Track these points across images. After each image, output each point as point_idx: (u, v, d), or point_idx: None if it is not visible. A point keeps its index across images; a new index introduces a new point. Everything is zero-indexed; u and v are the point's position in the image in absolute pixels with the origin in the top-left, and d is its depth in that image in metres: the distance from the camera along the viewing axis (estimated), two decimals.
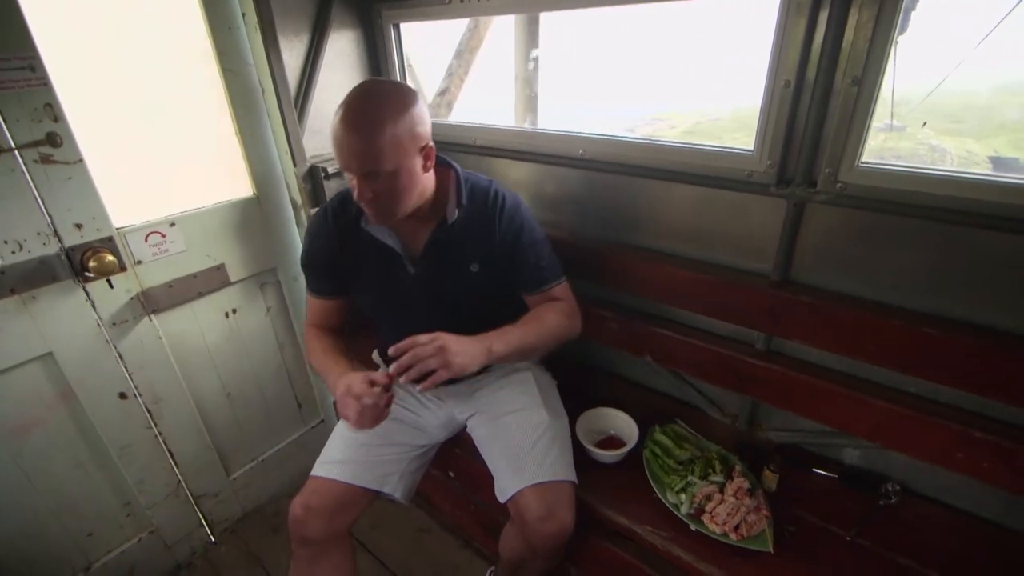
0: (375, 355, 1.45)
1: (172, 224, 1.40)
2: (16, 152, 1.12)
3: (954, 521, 1.12)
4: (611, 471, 1.23)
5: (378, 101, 0.93)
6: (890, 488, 1.17)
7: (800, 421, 1.28)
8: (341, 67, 1.61)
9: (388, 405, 1.02)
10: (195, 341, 1.54)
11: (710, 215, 1.24)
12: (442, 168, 1.13)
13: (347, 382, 1.02)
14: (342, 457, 1.18)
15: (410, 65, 1.75)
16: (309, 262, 1.22)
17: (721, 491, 1.13)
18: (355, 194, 0.99)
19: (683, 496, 1.13)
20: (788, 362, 1.22)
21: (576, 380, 1.43)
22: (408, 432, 1.25)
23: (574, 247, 1.44)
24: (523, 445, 1.14)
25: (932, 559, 1.03)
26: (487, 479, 1.20)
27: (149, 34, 1.31)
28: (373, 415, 1.01)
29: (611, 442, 1.31)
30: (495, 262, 1.14)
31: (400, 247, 1.12)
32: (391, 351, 0.98)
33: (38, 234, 1.18)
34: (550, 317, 1.15)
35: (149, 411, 1.47)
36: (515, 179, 1.59)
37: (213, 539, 1.75)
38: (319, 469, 1.17)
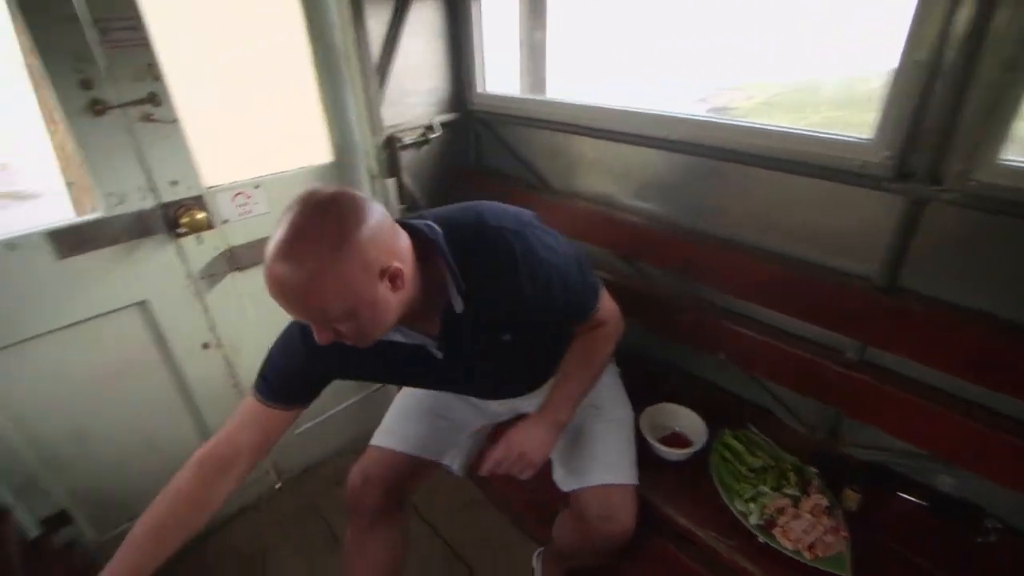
0: None
1: (257, 186, 1.44)
2: (122, 109, 1.18)
3: None
4: (674, 470, 1.19)
5: (309, 239, 0.68)
6: (989, 525, 1.06)
7: (888, 439, 1.17)
8: (423, 35, 1.59)
9: None
10: (270, 300, 1.60)
11: (810, 208, 1.13)
12: (424, 246, 0.82)
13: None
14: (402, 428, 1.19)
15: None
16: (272, 370, 0.92)
17: (795, 505, 1.05)
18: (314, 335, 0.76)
19: (752, 505, 1.07)
20: (882, 375, 1.11)
21: (641, 372, 1.38)
22: (469, 411, 1.25)
23: (651, 234, 1.37)
24: (587, 441, 1.11)
25: None
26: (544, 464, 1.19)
27: None
28: None
29: (675, 439, 1.26)
30: (529, 325, 0.95)
31: (417, 338, 0.90)
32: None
33: (138, 189, 1.25)
34: (600, 352, 1.05)
35: (229, 362, 1.56)
36: (592, 159, 1.53)
37: (279, 486, 1.85)
38: (378, 438, 1.19)
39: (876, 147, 0.97)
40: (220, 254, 1.43)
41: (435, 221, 0.85)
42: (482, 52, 1.68)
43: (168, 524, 0.84)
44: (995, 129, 0.86)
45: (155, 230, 1.30)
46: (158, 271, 1.34)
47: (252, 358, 1.60)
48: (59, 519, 1.37)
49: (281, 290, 0.69)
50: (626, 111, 1.38)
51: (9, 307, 1.16)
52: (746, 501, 1.08)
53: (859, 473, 1.15)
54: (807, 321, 1.18)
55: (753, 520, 1.04)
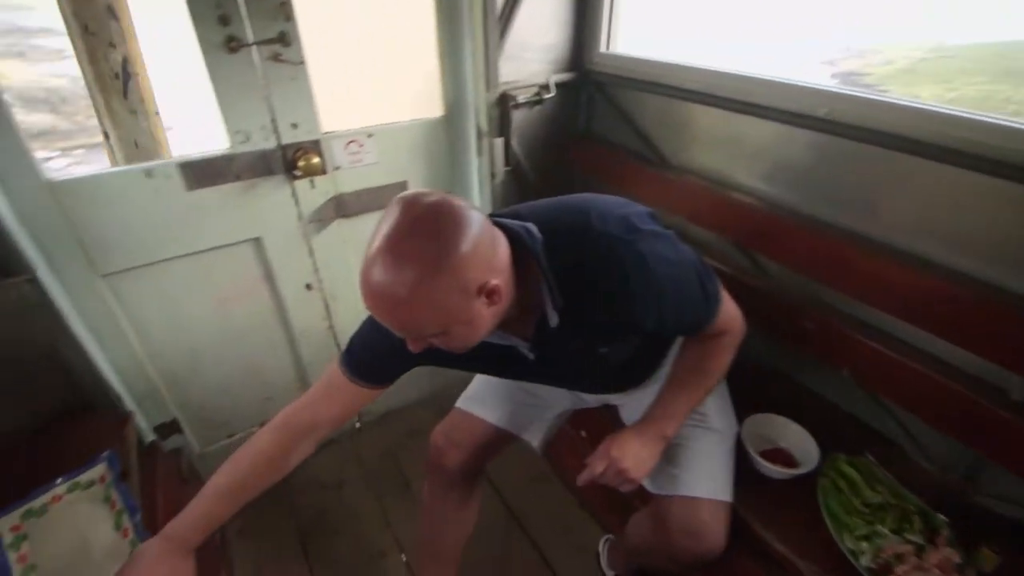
0: None
1: (370, 135, 1.44)
2: (254, 48, 1.20)
3: None
4: (775, 489, 1.08)
5: (408, 257, 0.63)
6: None
7: None
8: None
9: None
10: None
11: (991, 215, 0.94)
12: (522, 252, 0.75)
13: (149, 568, 0.76)
14: (489, 397, 1.17)
15: None
16: (361, 349, 0.89)
17: (919, 554, 0.92)
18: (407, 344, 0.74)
19: (865, 545, 0.95)
20: None
21: (746, 376, 1.25)
22: (557, 393, 1.20)
23: (777, 222, 1.23)
24: (683, 447, 1.02)
25: None
26: None
27: None
28: None
29: (778, 455, 1.14)
30: (630, 338, 0.89)
31: (509, 339, 0.86)
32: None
33: (262, 128, 1.29)
34: (717, 363, 0.95)
35: (327, 304, 1.62)
36: (716, 132, 1.39)
37: (358, 426, 1.94)
38: (465, 403, 1.18)
39: None
40: (329, 200, 1.46)
41: (534, 222, 0.78)
42: (611, 8, 1.55)
43: (246, 482, 0.86)
44: None
45: (274, 170, 1.34)
46: (273, 210, 1.39)
47: (347, 304, 1.65)
48: (170, 427, 1.52)
49: (375, 302, 0.67)
50: (764, 80, 1.22)
51: (144, 230, 1.25)
52: (858, 539, 0.96)
53: (1000, 530, 0.99)
54: (967, 349, 1.00)
55: (864, 562, 0.93)
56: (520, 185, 1.68)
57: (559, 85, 1.61)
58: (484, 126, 1.55)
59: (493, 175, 1.61)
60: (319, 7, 1.31)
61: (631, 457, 0.88)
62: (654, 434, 0.91)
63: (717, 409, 1.07)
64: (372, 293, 0.66)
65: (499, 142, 1.56)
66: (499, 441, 1.17)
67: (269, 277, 1.48)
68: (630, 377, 1.08)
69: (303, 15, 1.24)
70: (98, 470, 1.10)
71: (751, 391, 1.22)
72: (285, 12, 1.21)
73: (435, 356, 0.80)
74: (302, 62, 1.27)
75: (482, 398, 1.18)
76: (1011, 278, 0.94)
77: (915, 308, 1.03)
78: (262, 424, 1.64)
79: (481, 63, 1.46)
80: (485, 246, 0.68)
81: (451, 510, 1.21)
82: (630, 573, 1.37)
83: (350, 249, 1.58)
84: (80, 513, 1.04)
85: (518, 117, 1.58)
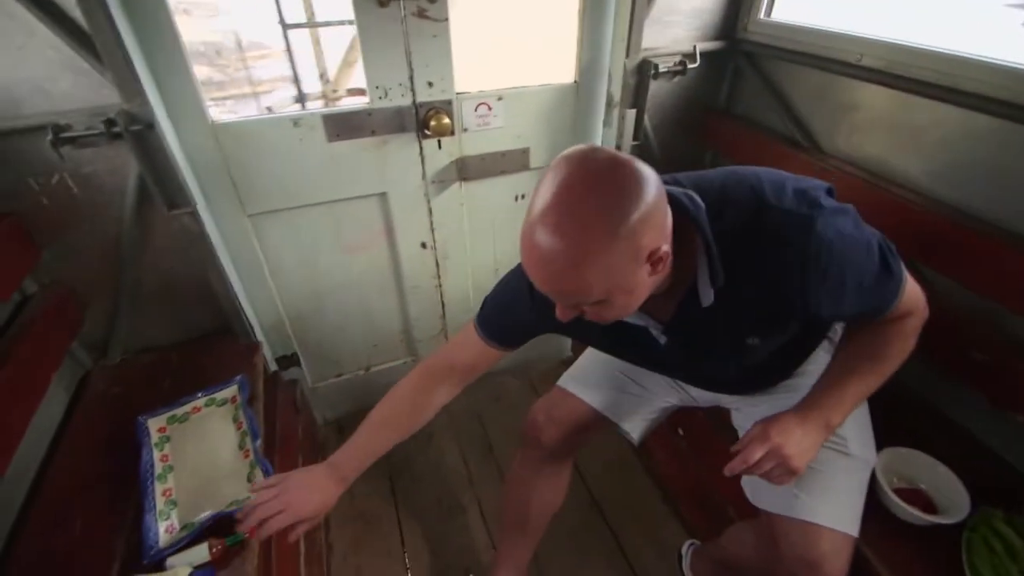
0: None
1: (500, 99, 1.42)
2: (403, 2, 1.20)
3: None
4: (909, 534, 0.95)
5: (582, 217, 0.58)
6: None
7: None
8: None
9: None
10: (486, 215, 1.64)
11: None
12: (678, 221, 0.68)
13: (305, 496, 0.85)
14: (594, 379, 1.14)
15: None
16: (503, 298, 0.92)
17: None
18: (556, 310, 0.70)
19: None
20: None
21: (888, 400, 1.11)
22: (664, 386, 1.14)
23: (955, 233, 1.05)
24: (812, 467, 0.90)
25: None
26: (721, 456, 1.04)
27: None
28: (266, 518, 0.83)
29: (916, 497, 1.00)
30: (791, 327, 0.79)
31: (643, 319, 0.81)
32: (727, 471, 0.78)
33: (400, 84, 1.30)
34: (896, 349, 0.81)
35: (438, 263, 1.66)
36: (886, 118, 1.22)
37: None
38: (569, 383, 1.16)
39: None
40: (453, 161, 1.47)
41: (696, 190, 0.71)
42: None
43: (398, 420, 0.94)
44: None
45: (407, 128, 1.36)
46: (401, 168, 1.42)
47: (457, 265, 1.68)
48: (290, 360, 1.65)
49: (538, 265, 0.62)
50: (958, 58, 1.03)
51: (286, 176, 1.33)
52: None
53: None
54: None
55: None
56: (646, 162, 1.58)
57: (704, 54, 1.47)
58: (616, 95, 1.47)
59: (620, 148, 1.53)
60: None
61: (795, 445, 0.75)
62: (818, 422, 0.78)
63: (857, 434, 0.95)
64: (537, 257, 0.61)
65: (631, 113, 1.47)
66: (597, 425, 1.14)
67: (390, 232, 1.53)
68: (766, 379, 0.99)
69: None
70: (231, 390, 1.22)
71: (890, 420, 1.08)
72: None
73: (569, 327, 0.76)
74: (446, 19, 1.26)
75: (586, 380, 1.15)
76: None
77: None
78: (368, 368, 1.78)
79: (624, 26, 1.36)
80: (661, 210, 0.62)
81: (542, 484, 1.21)
82: None
83: (465, 212, 1.59)
84: (214, 428, 1.15)
85: (655, 88, 1.47)
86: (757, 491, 0.96)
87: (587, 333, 0.90)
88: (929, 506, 0.98)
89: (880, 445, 1.03)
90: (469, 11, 1.36)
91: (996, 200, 1.04)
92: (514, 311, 0.89)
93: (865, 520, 0.91)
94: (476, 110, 1.41)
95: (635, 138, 1.51)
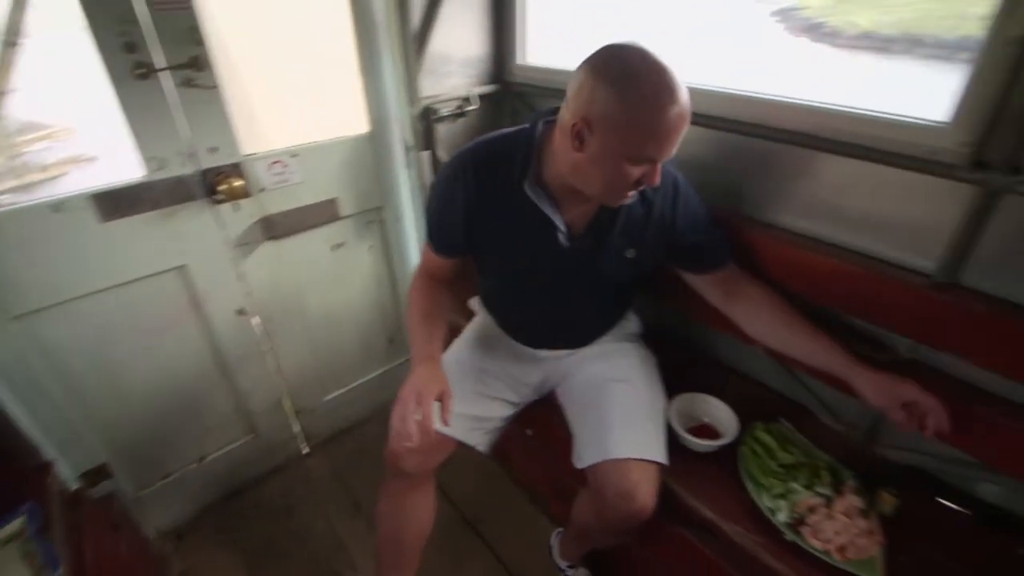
0: (474, 302, 1.44)
1: (293, 155, 1.44)
2: (164, 73, 1.18)
3: None
4: (700, 461, 1.16)
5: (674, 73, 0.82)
6: None
7: (932, 444, 1.12)
8: (465, 7, 1.54)
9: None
10: (304, 270, 1.63)
11: (866, 196, 1.06)
12: None
13: (425, 381, 0.99)
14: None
15: None
16: (437, 217, 1.10)
17: (828, 505, 1.02)
18: (645, 181, 0.89)
19: (781, 503, 1.03)
20: (933, 376, 1.05)
21: (672, 360, 1.34)
22: (504, 389, 1.25)
23: None
24: (616, 415, 1.10)
25: None
26: (565, 443, 1.18)
27: None
28: (415, 431, 0.96)
29: (704, 431, 1.22)
30: (656, 250, 1.09)
31: (559, 220, 1.01)
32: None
33: (178, 154, 1.26)
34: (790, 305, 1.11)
35: (263, 328, 1.59)
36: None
37: (306, 451, 1.90)
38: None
39: (952, 132, 0.89)
40: (256, 222, 1.44)
41: None
42: (524, 20, 1.62)
43: (434, 310, 1.14)
44: None
45: (195, 196, 1.32)
46: (197, 237, 1.36)
47: (284, 327, 1.63)
48: (99, 473, 1.44)
49: (683, 120, 0.82)
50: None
51: (55, 267, 1.20)
52: (775, 497, 1.04)
53: (897, 476, 1.10)
54: (857, 316, 1.12)
55: (781, 517, 1.01)
56: None
57: (482, 97, 1.67)
58: (410, 140, 1.59)
59: (423, 187, 1.64)
60: (234, 30, 1.31)
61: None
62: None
63: (645, 379, 1.17)
64: (681, 113, 0.81)
65: (425, 155, 1.60)
66: (448, 446, 1.19)
67: (198, 305, 1.44)
68: (606, 320, 1.28)
69: (216, 39, 1.24)
70: (17, 524, 1.04)
71: (675, 372, 1.31)
72: (195, 37, 1.21)
73: (492, 234, 1.05)
74: (216, 86, 1.26)
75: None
76: (885, 250, 1.06)
77: (811, 283, 1.14)
78: (201, 459, 1.61)
79: (401, 79, 1.49)
80: None
81: (412, 511, 1.22)
82: (580, 560, 1.41)
83: (282, 270, 1.56)
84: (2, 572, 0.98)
85: (443, 130, 1.62)
86: (579, 454, 1.10)
87: (495, 228, 1.06)
88: (714, 435, 1.20)
89: (674, 393, 1.25)
90: (247, 74, 1.37)
91: (711, 191, 1.32)
92: (456, 206, 1.05)
93: (670, 460, 1.10)
94: (270, 169, 1.42)
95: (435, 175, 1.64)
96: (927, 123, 0.92)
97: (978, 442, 1.01)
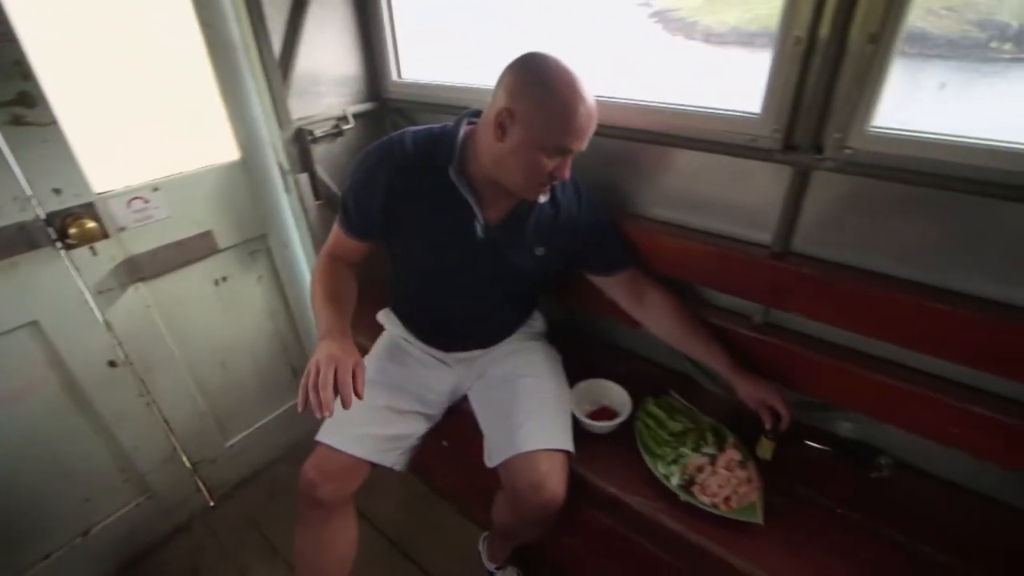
0: (383, 315, 1.42)
1: (155, 189, 1.35)
2: None
3: (946, 495, 1.12)
4: (603, 443, 1.23)
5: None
6: (883, 462, 1.16)
7: (794, 394, 1.26)
8: (329, 23, 1.52)
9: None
10: (185, 310, 1.52)
11: (710, 182, 1.19)
12: None
13: (341, 351, 0.97)
14: (348, 426, 1.16)
15: None
16: (354, 196, 1.11)
17: (712, 463, 1.12)
18: (557, 174, 0.98)
19: (674, 467, 1.12)
20: (786, 335, 1.20)
21: (573, 352, 1.41)
22: (416, 402, 1.25)
23: None
24: (523, 410, 1.14)
25: (922, 532, 1.03)
26: (481, 449, 1.20)
27: None
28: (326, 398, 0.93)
29: (604, 413, 1.30)
30: (563, 251, 1.18)
31: (478, 209, 1.08)
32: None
33: (14, 199, 1.14)
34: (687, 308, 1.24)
35: (141, 379, 1.46)
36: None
37: (212, 503, 1.77)
38: (327, 437, 1.15)
39: (764, 121, 1.03)
40: (118, 265, 1.33)
41: None
42: (393, 38, 1.63)
43: (342, 289, 1.15)
44: (865, 99, 0.93)
45: (41, 243, 1.19)
46: (48, 288, 1.23)
47: (167, 373, 1.52)
48: None
49: (591, 120, 0.95)
50: None
51: None
52: (668, 464, 1.13)
53: (771, 428, 1.23)
54: (716, 289, 1.25)
55: (675, 481, 1.10)
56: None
57: (359, 115, 1.66)
58: (285, 163, 1.54)
59: (305, 210, 1.60)
60: (74, 60, 1.21)
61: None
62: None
63: (548, 371, 1.23)
64: (590, 112, 0.94)
65: (304, 177, 1.56)
66: (363, 469, 1.17)
67: (57, 364, 1.29)
68: (516, 318, 1.35)
69: (53, 70, 1.14)
70: None
71: (576, 364, 1.37)
72: (22, 71, 1.10)
73: (400, 197, 1.07)
74: (53, 122, 1.15)
75: (341, 428, 1.16)
76: (732, 228, 1.20)
77: (675, 263, 1.25)
78: (86, 532, 1.45)
79: (269, 104, 1.45)
80: None
81: (332, 540, 1.18)
82: (507, 560, 1.44)
83: (157, 313, 1.45)
84: None
85: (321, 151, 1.59)
86: (489, 453, 1.13)
87: (422, 224, 1.11)
88: (613, 415, 1.28)
89: (574, 383, 1.31)
90: (94, 106, 1.26)
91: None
92: (377, 186, 1.07)
93: (576, 448, 1.15)
94: (130, 206, 1.32)
95: (316, 198, 1.60)
96: (746, 115, 1.05)
97: (830, 387, 1.16)
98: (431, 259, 1.18)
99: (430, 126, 1.12)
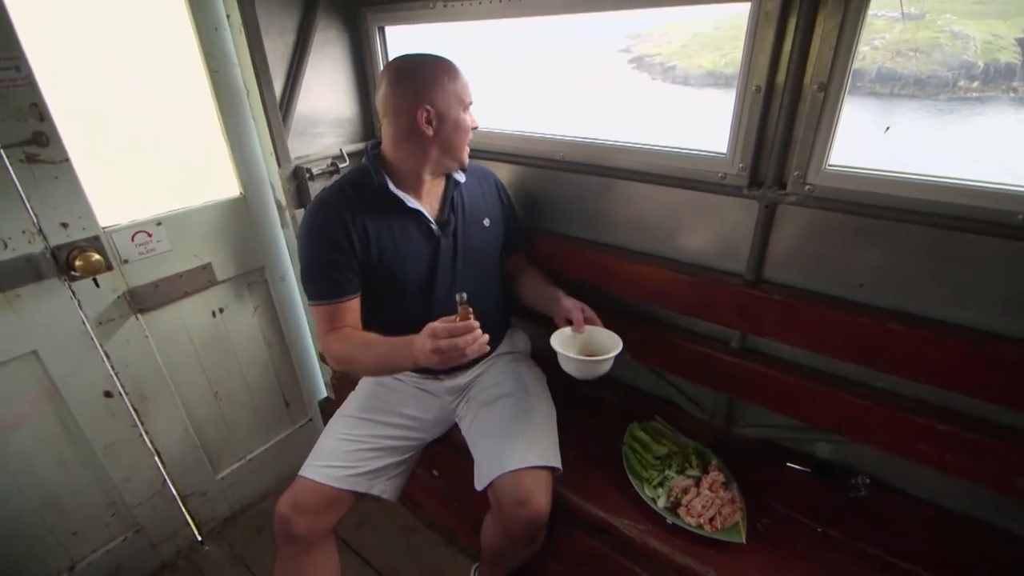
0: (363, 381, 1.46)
1: (159, 223, 1.41)
2: (1, 151, 1.13)
3: (921, 512, 1.16)
4: (590, 464, 1.26)
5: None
6: (859, 481, 1.21)
7: (774, 416, 1.32)
8: (326, 70, 1.63)
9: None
10: (182, 341, 1.55)
11: (686, 216, 1.27)
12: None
13: (429, 331, 0.96)
14: (333, 460, 1.19)
15: None
16: (328, 262, 1.12)
17: (697, 485, 1.16)
18: (472, 124, 1.18)
19: (660, 490, 1.16)
20: (762, 359, 1.26)
21: (559, 376, 1.45)
22: (400, 432, 1.27)
23: (555, 245, 1.47)
24: (509, 430, 1.17)
25: (899, 548, 1.07)
26: (471, 476, 1.22)
27: (136, 35, 1.33)
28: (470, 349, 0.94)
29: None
30: (502, 219, 1.36)
31: (423, 208, 1.20)
32: None
33: (23, 232, 1.19)
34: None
35: (135, 410, 1.48)
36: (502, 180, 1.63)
37: (200, 539, 1.75)
38: (308, 470, 1.18)
39: (731, 160, 1.12)
40: (119, 296, 1.37)
41: None
42: None
43: (366, 338, 1.14)
44: (820, 140, 1.02)
45: (45, 275, 1.23)
46: (49, 319, 1.26)
47: (161, 404, 1.53)
48: None
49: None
50: (520, 135, 1.49)
51: None
52: (654, 487, 1.17)
53: (753, 450, 1.28)
54: (695, 316, 1.31)
55: (661, 503, 1.13)
56: None
57: (354, 154, 1.74)
58: (283, 200, 1.61)
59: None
60: (87, 102, 1.28)
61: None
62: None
63: (533, 389, 1.29)
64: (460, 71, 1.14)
65: (300, 213, 1.62)
66: (346, 500, 1.18)
67: (52, 394, 1.31)
68: (496, 318, 1.40)
69: (68, 111, 1.20)
70: None
71: (562, 387, 1.41)
72: (37, 112, 1.17)
73: (376, 245, 1.15)
74: (66, 160, 1.22)
75: (325, 462, 1.18)
76: (709, 259, 1.27)
77: (657, 293, 1.31)
78: (72, 568, 1.43)
79: (269, 143, 1.53)
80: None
81: (310, 573, 1.18)
82: None
83: (154, 344, 1.48)
84: None
85: (318, 187, 1.66)
86: (479, 477, 1.15)
87: (392, 249, 1.18)
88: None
89: (562, 408, 1.34)
90: (105, 144, 1.33)
91: (567, 222, 1.50)
92: (337, 258, 1.13)
93: (565, 471, 1.18)
94: (134, 239, 1.37)
95: None
96: (715, 154, 1.15)
97: (806, 408, 1.21)
98: (411, 280, 1.21)
99: (342, 174, 1.31)
